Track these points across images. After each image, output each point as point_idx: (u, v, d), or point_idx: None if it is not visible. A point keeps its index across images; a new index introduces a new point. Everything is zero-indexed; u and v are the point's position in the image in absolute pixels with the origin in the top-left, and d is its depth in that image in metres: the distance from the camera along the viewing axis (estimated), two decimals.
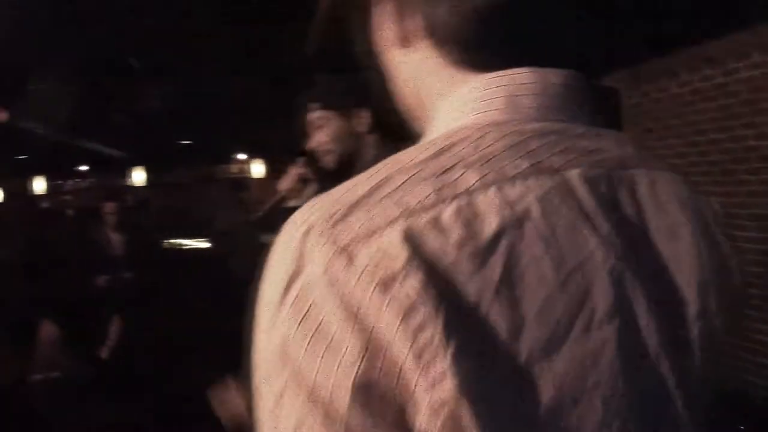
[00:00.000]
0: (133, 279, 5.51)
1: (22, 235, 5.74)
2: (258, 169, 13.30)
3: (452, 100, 0.73)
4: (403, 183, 0.61)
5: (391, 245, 0.56)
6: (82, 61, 5.84)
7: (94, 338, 5.34)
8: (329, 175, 2.12)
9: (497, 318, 0.56)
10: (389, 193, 0.60)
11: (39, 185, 13.29)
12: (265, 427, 0.61)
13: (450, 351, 0.54)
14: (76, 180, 15.04)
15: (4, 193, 10.61)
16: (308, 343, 0.56)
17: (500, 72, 0.69)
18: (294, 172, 2.87)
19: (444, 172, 0.61)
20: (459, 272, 0.56)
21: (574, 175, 0.65)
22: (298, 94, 2.22)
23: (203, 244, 9.60)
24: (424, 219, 0.58)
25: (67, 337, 4.86)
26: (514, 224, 0.59)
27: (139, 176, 13.77)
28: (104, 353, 5.31)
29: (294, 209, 0.63)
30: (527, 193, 0.61)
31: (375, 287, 0.55)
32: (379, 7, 0.78)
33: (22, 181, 12.58)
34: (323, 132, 2.09)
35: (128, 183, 13.68)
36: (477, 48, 0.71)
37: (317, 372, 0.56)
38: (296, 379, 0.57)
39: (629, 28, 4.91)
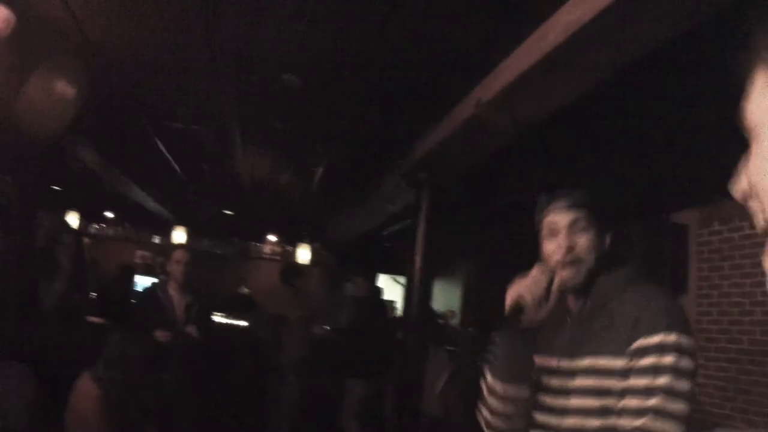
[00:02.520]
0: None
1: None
2: (304, 254, 13.46)
3: None
4: None
5: None
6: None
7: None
8: (578, 289, 1.95)
9: None
10: None
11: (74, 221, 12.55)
12: None
13: None
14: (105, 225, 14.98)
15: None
16: None
17: None
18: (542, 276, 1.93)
19: None
20: None
21: None
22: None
23: (239, 321, 9.66)
24: None
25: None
26: None
27: (179, 236, 13.65)
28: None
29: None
30: None
31: None
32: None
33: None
34: (583, 237, 1.93)
35: (165, 242, 13.77)
36: None
37: None
38: None
39: (709, 166, 5.41)
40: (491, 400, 1.98)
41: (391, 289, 12.41)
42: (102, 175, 8.83)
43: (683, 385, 1.67)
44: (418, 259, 6.17)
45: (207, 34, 4.38)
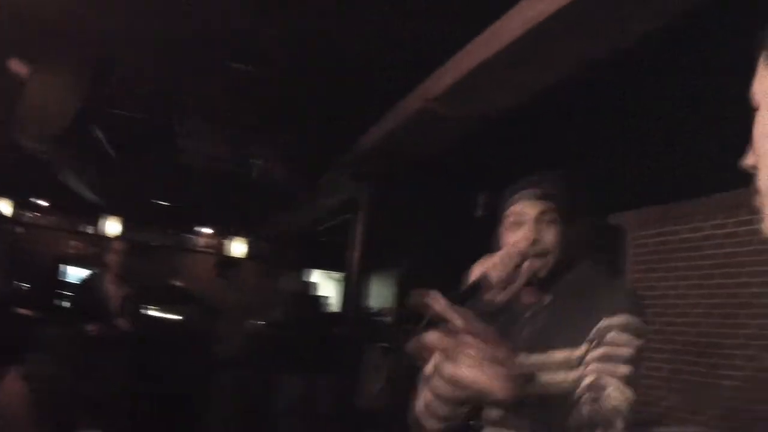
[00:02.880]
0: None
1: None
2: (240, 247, 13.31)
3: None
4: None
5: None
6: None
7: None
8: (540, 282, 1.90)
9: None
10: None
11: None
12: None
13: None
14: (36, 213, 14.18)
15: None
16: None
17: None
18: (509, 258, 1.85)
19: None
20: None
21: None
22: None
23: (174, 315, 9.50)
24: None
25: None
26: None
27: (114, 227, 13.26)
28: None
29: None
30: None
31: None
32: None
33: None
34: (550, 230, 1.89)
35: (99, 232, 13.33)
36: None
37: None
38: None
39: (650, 170, 5.53)
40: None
41: (326, 285, 12.37)
42: (35, 161, 8.58)
43: (639, 366, 1.71)
44: (357, 255, 6.15)
45: (151, 16, 4.28)
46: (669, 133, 4.92)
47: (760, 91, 0.94)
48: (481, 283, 1.75)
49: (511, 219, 1.92)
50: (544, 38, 3.11)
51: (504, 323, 1.89)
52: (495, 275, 1.77)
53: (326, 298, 11.37)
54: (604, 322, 1.74)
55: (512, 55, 3.36)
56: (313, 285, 8.56)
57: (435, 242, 8.89)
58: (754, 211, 0.90)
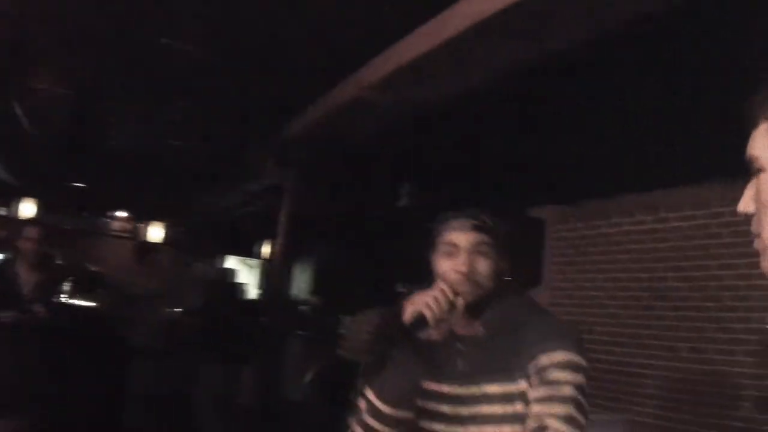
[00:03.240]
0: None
1: None
2: (157, 232, 12.94)
3: None
4: None
5: None
6: None
7: None
8: (473, 312, 1.91)
9: None
10: None
11: None
12: None
13: None
14: None
15: None
16: None
17: None
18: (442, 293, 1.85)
19: None
20: None
21: None
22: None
23: (89, 301, 9.23)
24: None
25: None
26: None
27: (27, 209, 12.60)
28: None
29: None
30: None
31: None
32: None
33: None
34: (483, 261, 1.91)
35: (11, 214, 12.86)
36: None
37: None
38: None
39: (572, 166, 5.66)
40: (372, 422, 1.91)
41: (243, 271, 12.29)
42: None
43: (584, 401, 1.75)
44: (280, 243, 6.10)
45: None
46: (595, 133, 5.05)
47: (764, 154, 1.08)
48: (417, 323, 1.78)
49: (445, 248, 1.93)
50: (482, 37, 3.16)
51: (438, 354, 1.93)
52: (430, 315, 1.78)
53: (245, 285, 11.30)
54: (544, 360, 1.77)
55: (450, 51, 3.40)
56: (232, 272, 8.46)
57: (358, 231, 8.90)
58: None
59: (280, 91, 5.41)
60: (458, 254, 1.90)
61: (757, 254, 1.08)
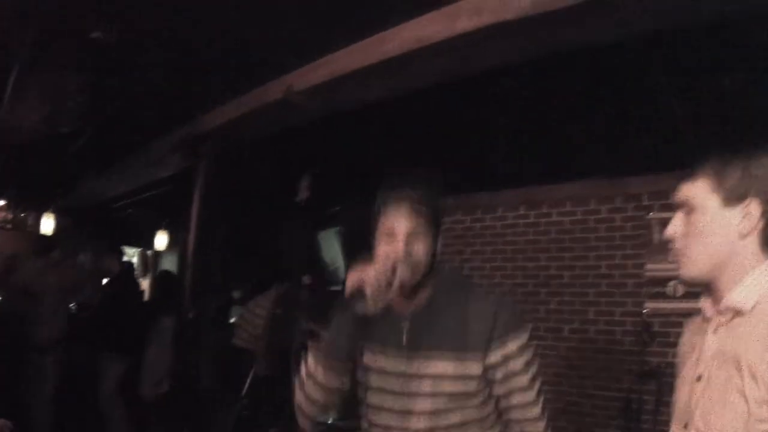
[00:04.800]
0: None
1: None
2: (50, 224, 12.12)
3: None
4: None
5: None
6: None
7: None
8: (411, 290, 2.01)
9: None
10: None
11: None
12: None
13: None
14: None
15: None
16: None
17: None
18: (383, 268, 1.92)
19: None
20: None
21: None
22: None
23: None
24: None
25: None
26: None
27: None
28: None
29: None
30: None
31: None
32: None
33: None
34: (421, 243, 1.98)
35: None
36: None
37: None
38: None
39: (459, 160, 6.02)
40: (309, 386, 2.07)
41: (139, 262, 12.29)
42: None
43: (539, 375, 2.01)
44: (192, 233, 6.11)
45: None
46: (483, 131, 5.43)
47: (697, 200, 1.45)
48: (358, 293, 1.85)
49: (385, 230, 2.00)
50: (417, 61, 3.53)
51: (381, 329, 2.04)
52: (369, 289, 1.83)
53: (141, 276, 11.18)
54: (502, 348, 1.93)
55: (385, 70, 3.74)
56: (130, 265, 8.43)
57: (261, 222, 8.98)
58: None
59: (189, 86, 5.40)
60: (397, 237, 1.96)
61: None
